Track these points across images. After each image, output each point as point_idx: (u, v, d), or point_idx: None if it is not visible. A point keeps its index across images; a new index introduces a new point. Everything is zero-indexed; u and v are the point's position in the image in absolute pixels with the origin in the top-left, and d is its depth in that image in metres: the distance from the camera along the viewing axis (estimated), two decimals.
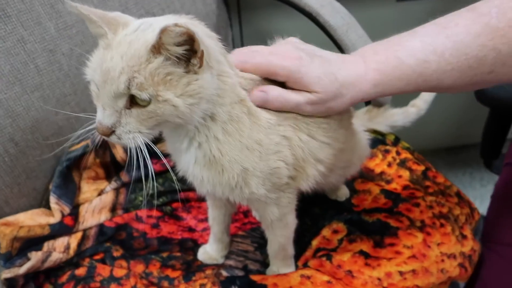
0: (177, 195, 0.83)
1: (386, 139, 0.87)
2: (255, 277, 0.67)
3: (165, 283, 0.69)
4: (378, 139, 0.87)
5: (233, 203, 0.67)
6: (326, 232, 0.73)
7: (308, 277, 0.64)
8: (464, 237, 0.71)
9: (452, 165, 1.63)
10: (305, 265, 0.69)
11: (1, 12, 0.66)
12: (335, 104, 0.55)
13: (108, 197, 0.81)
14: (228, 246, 0.76)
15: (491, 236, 0.76)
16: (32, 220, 0.75)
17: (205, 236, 0.78)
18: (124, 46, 0.46)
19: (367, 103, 0.89)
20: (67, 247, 0.74)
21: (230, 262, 0.74)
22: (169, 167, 0.57)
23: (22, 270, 0.69)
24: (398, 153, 0.84)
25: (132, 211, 0.81)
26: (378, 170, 0.83)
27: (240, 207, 0.80)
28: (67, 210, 0.78)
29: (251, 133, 0.53)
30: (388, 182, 0.81)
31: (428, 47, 0.53)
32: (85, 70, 0.49)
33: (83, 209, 0.79)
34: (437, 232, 0.70)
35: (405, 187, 0.79)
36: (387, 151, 0.85)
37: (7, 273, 0.70)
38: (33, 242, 0.73)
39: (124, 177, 0.83)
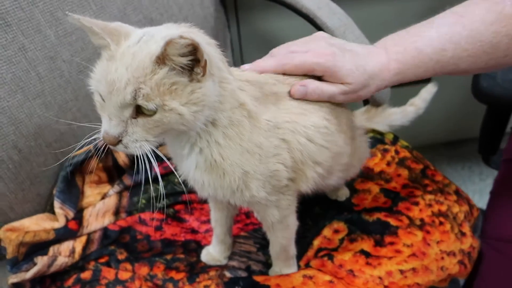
0: (179, 197, 0.84)
1: (385, 138, 0.88)
2: (258, 278, 0.68)
3: (170, 285, 0.70)
4: (377, 139, 0.87)
5: (234, 206, 0.67)
6: (327, 232, 0.74)
7: (310, 277, 0.65)
8: (463, 234, 0.72)
9: (451, 160, 1.64)
10: (307, 265, 0.70)
11: (2, 21, 0.67)
12: (363, 92, 0.61)
13: (111, 201, 0.82)
14: (231, 247, 0.77)
15: (491, 232, 0.77)
16: (37, 225, 0.77)
17: (208, 238, 0.79)
18: (128, 58, 0.47)
19: (366, 102, 0.90)
20: (72, 251, 0.76)
21: (233, 263, 0.75)
22: (173, 169, 0.58)
23: (29, 274, 0.71)
24: (397, 152, 0.85)
25: (135, 214, 0.82)
26: (377, 169, 0.84)
27: (242, 208, 0.81)
28: (71, 214, 0.79)
29: (251, 136, 0.54)
30: (388, 181, 0.82)
31: (445, 36, 0.58)
32: (89, 81, 0.50)
33: (87, 213, 0.80)
34: (436, 230, 0.71)
35: (404, 186, 0.80)
36: (386, 150, 0.86)
37: (14, 278, 0.71)
38: (39, 247, 0.74)
39: (127, 180, 0.84)
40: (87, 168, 0.82)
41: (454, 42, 0.58)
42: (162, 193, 0.58)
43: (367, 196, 0.80)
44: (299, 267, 0.72)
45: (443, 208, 0.75)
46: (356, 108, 0.91)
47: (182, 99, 0.47)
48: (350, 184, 0.82)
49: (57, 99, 0.76)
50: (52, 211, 0.79)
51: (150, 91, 0.46)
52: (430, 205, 0.75)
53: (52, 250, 0.75)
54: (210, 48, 0.51)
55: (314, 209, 0.80)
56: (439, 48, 0.58)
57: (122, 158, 0.84)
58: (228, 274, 0.71)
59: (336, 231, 0.74)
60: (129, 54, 0.47)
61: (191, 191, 0.70)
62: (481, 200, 1.43)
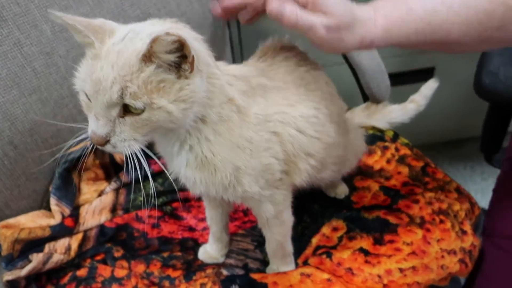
0: (177, 195, 0.83)
1: (385, 135, 0.87)
2: (255, 276, 0.67)
3: (166, 283, 0.69)
4: (377, 136, 0.86)
5: (228, 202, 0.67)
6: (325, 229, 0.73)
7: (308, 275, 0.64)
8: (464, 232, 0.71)
9: (452, 159, 1.63)
10: (305, 263, 0.69)
11: None
12: (347, 36, 0.55)
13: (108, 198, 0.82)
14: (228, 245, 0.76)
15: (493, 230, 0.76)
16: (33, 222, 0.76)
17: (206, 236, 0.79)
18: (113, 56, 0.46)
19: (366, 99, 0.89)
20: (68, 248, 0.75)
21: (231, 261, 0.74)
22: (164, 169, 0.57)
23: (24, 272, 0.70)
24: (397, 149, 0.84)
25: (132, 212, 0.81)
26: (377, 166, 0.83)
27: (240, 206, 0.80)
28: (67, 211, 0.78)
29: (241, 131, 0.53)
30: (388, 178, 0.81)
31: None
32: (74, 81, 0.49)
33: (83, 210, 0.79)
34: (436, 228, 0.70)
35: (404, 184, 0.79)
36: (386, 148, 0.84)
37: (9, 275, 0.70)
38: (34, 244, 0.74)
39: (124, 177, 0.83)
40: (84, 165, 0.82)
41: (446, 5, 0.54)
42: (153, 192, 0.57)
43: (367, 193, 0.79)
44: (297, 264, 0.71)
45: (444, 206, 0.74)
46: (356, 105, 0.90)
47: (171, 97, 0.47)
48: (349, 181, 0.81)
49: (53, 95, 0.75)
50: (48, 208, 0.79)
51: (137, 90, 0.45)
52: (430, 203, 0.74)
53: (47, 247, 0.74)
54: (197, 44, 0.50)
55: (313, 207, 0.79)
56: (431, 8, 0.55)
57: (119, 155, 0.83)
58: (225, 272, 0.70)
59: (335, 229, 0.73)
60: (114, 52, 0.46)
61: (185, 189, 0.70)
62: (483, 200, 1.41)
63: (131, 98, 0.45)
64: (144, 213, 0.81)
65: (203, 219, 0.81)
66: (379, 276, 0.65)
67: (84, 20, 0.48)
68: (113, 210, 0.81)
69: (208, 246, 0.75)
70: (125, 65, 0.45)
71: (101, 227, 0.79)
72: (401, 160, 0.83)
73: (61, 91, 0.76)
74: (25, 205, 0.78)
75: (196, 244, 0.78)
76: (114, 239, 0.78)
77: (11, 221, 0.75)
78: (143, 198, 0.77)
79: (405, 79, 1.22)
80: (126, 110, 0.47)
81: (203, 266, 0.73)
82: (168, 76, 0.46)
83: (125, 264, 0.73)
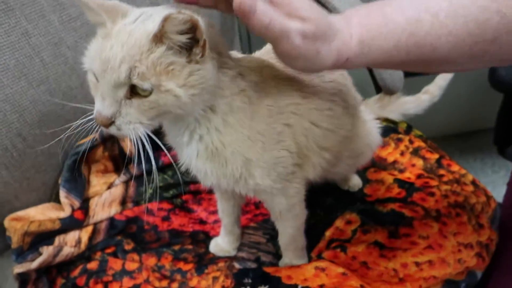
0: (187, 187, 0.83)
1: (398, 127, 0.85)
2: (268, 269, 0.66)
3: (178, 276, 0.69)
4: (390, 128, 0.85)
5: (240, 195, 0.66)
6: (339, 223, 0.72)
7: (323, 269, 0.63)
8: (481, 226, 0.70)
9: (463, 151, 1.61)
10: (319, 257, 0.68)
11: (4, 5, 0.65)
12: (323, 49, 0.46)
13: (117, 190, 0.81)
14: (240, 238, 0.75)
15: (509, 224, 0.74)
16: (43, 214, 0.75)
17: (217, 229, 0.78)
18: (124, 36, 0.44)
19: (379, 91, 0.88)
20: (78, 241, 0.74)
21: (243, 254, 0.73)
22: (172, 160, 0.55)
23: (34, 265, 0.69)
24: (411, 141, 0.82)
25: (142, 204, 0.80)
26: (390, 159, 0.81)
27: (251, 199, 0.79)
28: (77, 204, 0.77)
29: (252, 123, 0.52)
30: (401, 171, 0.79)
31: (420, 5, 0.46)
32: (83, 60, 0.48)
33: (93, 203, 0.79)
34: (453, 222, 0.69)
35: (419, 176, 0.78)
36: (399, 140, 0.83)
37: (20, 268, 0.70)
38: (44, 237, 0.73)
39: (133, 170, 0.82)
40: (93, 157, 0.81)
41: (431, 13, 0.45)
42: (157, 186, 0.55)
43: (380, 186, 0.77)
44: (310, 258, 0.70)
45: (460, 199, 0.73)
46: (369, 96, 0.88)
47: (180, 81, 0.45)
48: (362, 174, 0.80)
49: (62, 86, 0.74)
50: (57, 200, 0.78)
51: (145, 70, 0.44)
52: (446, 196, 0.73)
53: (57, 240, 0.73)
54: (211, 30, 0.49)
55: (326, 200, 0.78)
56: (413, 17, 0.46)
57: (128, 147, 0.82)
58: (237, 266, 0.69)
59: (349, 222, 0.72)
60: (125, 32, 0.45)
61: (196, 181, 0.69)
62: (494, 192, 1.39)
63: (138, 79, 0.44)
64: (154, 205, 0.80)
65: (214, 212, 0.80)
66: (394, 270, 0.64)
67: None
68: (123, 202, 0.80)
69: (219, 239, 0.74)
70: (135, 45, 0.44)
71: (111, 220, 0.78)
72: (415, 152, 0.81)
73: (70, 82, 0.75)
74: (35, 198, 0.77)
75: (207, 237, 0.77)
76: (125, 232, 0.77)
77: (21, 213, 0.74)
78: (157, 189, 0.76)
79: None
80: (133, 91, 0.45)
81: (214, 259, 0.72)
82: (179, 59, 0.45)
83: (136, 257, 0.72)
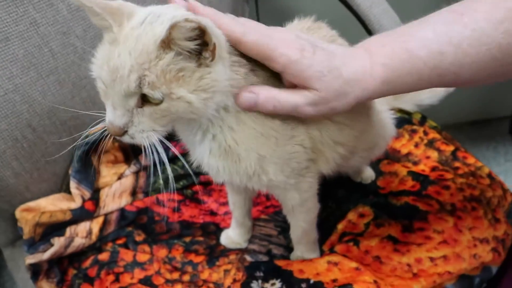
0: (197, 178, 0.82)
1: (413, 118, 0.83)
2: (280, 263, 0.66)
3: (189, 268, 0.68)
4: (404, 119, 0.83)
5: (252, 189, 0.65)
6: (352, 216, 0.71)
7: (336, 264, 0.63)
8: (497, 220, 0.68)
9: (475, 140, 1.58)
10: (331, 250, 0.67)
11: None
12: (339, 104, 0.48)
13: (128, 181, 0.80)
14: (251, 230, 0.74)
15: None
16: (53, 205, 0.75)
17: (227, 220, 0.77)
18: (131, 41, 0.43)
19: None
20: (89, 232, 0.74)
21: (254, 247, 0.73)
22: (179, 155, 0.54)
23: (46, 255, 0.69)
24: (425, 133, 0.81)
25: (152, 195, 0.80)
26: (404, 150, 0.80)
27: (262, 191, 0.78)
28: (87, 194, 0.77)
29: (266, 119, 0.51)
30: (416, 163, 0.78)
31: (443, 37, 0.46)
32: (91, 67, 0.46)
33: (103, 194, 0.78)
34: (468, 216, 0.67)
35: (433, 169, 0.76)
36: (414, 131, 0.81)
37: (31, 259, 0.70)
38: (55, 228, 0.73)
39: (143, 160, 0.82)
40: (103, 147, 0.80)
41: (454, 44, 0.45)
42: (171, 178, 0.54)
43: (394, 179, 0.76)
44: (322, 251, 0.69)
45: (476, 192, 0.71)
46: None
47: (190, 86, 0.44)
48: (375, 166, 0.78)
49: (71, 76, 0.73)
50: (68, 191, 0.78)
51: (155, 79, 0.42)
52: (461, 189, 0.71)
53: (68, 230, 0.73)
54: (219, 31, 0.47)
55: (338, 192, 0.76)
56: (436, 51, 0.46)
57: None
58: (248, 258, 0.69)
59: (362, 215, 0.71)
60: (132, 37, 0.43)
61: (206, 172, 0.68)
62: (506, 181, 1.38)
63: (149, 88, 0.43)
64: (164, 196, 0.80)
65: (224, 203, 0.80)
66: (408, 265, 0.63)
67: (102, 1, 0.45)
68: (133, 193, 0.80)
69: (230, 231, 0.74)
70: (143, 52, 0.42)
71: (122, 211, 0.78)
72: (430, 144, 0.79)
73: (79, 72, 0.74)
74: (45, 188, 0.77)
75: (218, 229, 0.77)
76: (135, 223, 0.77)
77: (31, 204, 0.74)
78: (172, 181, 0.75)
79: None
80: (144, 99, 0.44)
81: (225, 252, 0.71)
82: (188, 64, 0.44)
83: (147, 248, 0.72)
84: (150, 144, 0.46)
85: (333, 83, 0.46)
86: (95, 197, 0.78)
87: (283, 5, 1.19)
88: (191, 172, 0.56)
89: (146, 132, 0.46)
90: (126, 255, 0.71)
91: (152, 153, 0.47)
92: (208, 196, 0.81)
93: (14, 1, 0.64)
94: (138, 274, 0.68)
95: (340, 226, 0.71)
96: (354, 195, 0.75)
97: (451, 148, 0.79)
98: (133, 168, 0.82)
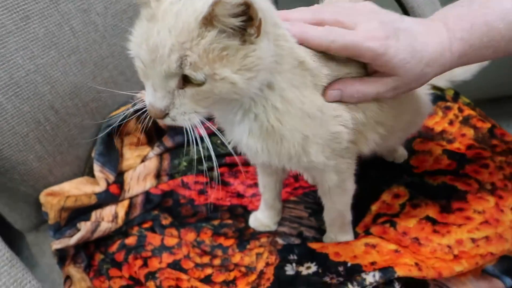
0: (222, 160, 0.80)
1: (446, 94, 0.80)
2: (314, 245, 0.64)
3: (219, 252, 0.67)
4: (437, 95, 0.80)
5: (284, 170, 0.63)
6: (386, 196, 0.69)
7: (373, 246, 0.60)
8: None
9: (496, 117, 1.53)
10: (367, 232, 0.65)
11: None
12: (417, 84, 0.51)
13: (152, 164, 0.78)
14: (281, 212, 0.72)
15: None
16: (78, 189, 0.73)
17: (255, 202, 0.75)
18: (171, 18, 0.40)
19: None
20: (115, 216, 0.72)
21: (284, 229, 0.71)
22: (221, 136, 0.52)
23: (73, 240, 0.68)
24: (460, 109, 0.78)
25: (177, 177, 0.78)
26: (438, 128, 0.77)
27: (291, 171, 0.76)
28: (111, 178, 0.75)
29: (312, 98, 0.48)
30: (450, 141, 0.75)
31: None
32: (129, 45, 0.44)
33: (127, 177, 0.76)
34: (510, 195, 0.65)
35: (469, 147, 0.73)
36: (447, 108, 0.78)
37: (58, 244, 0.68)
38: (81, 212, 0.72)
39: (168, 142, 0.79)
40: (125, 130, 0.78)
41: None
42: (212, 157, 0.51)
43: (428, 157, 0.73)
44: (355, 233, 0.67)
45: None
46: None
47: (234, 66, 0.41)
48: (407, 144, 0.76)
49: (93, 55, 0.70)
50: (91, 174, 0.76)
51: (197, 59, 0.40)
52: (501, 168, 0.68)
53: (94, 215, 0.72)
54: (263, 3, 0.44)
55: (370, 173, 0.74)
56: None
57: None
58: (280, 241, 0.67)
59: (396, 196, 0.68)
60: (171, 14, 0.40)
61: (235, 153, 0.66)
62: None
63: (191, 69, 0.40)
64: (190, 179, 0.78)
65: (251, 185, 0.78)
66: (449, 247, 0.60)
67: None
68: (158, 176, 0.78)
69: (259, 214, 0.72)
70: (184, 30, 0.40)
71: (147, 194, 0.76)
72: (465, 121, 0.76)
73: (101, 51, 0.71)
74: (68, 172, 0.75)
75: (246, 211, 0.75)
76: (161, 206, 0.75)
77: (55, 188, 0.73)
78: (195, 160, 0.74)
79: None
80: (186, 80, 0.42)
81: (255, 235, 0.69)
82: (232, 42, 0.41)
83: (174, 232, 0.70)
84: (192, 127, 0.44)
85: (415, 68, 0.48)
86: (119, 180, 0.76)
87: None
88: (231, 150, 0.53)
89: (188, 114, 0.44)
90: (154, 239, 0.69)
91: (193, 134, 0.45)
92: (234, 178, 0.79)
93: None
94: (167, 258, 0.66)
95: (374, 207, 0.68)
96: (387, 175, 0.73)
97: (487, 125, 0.76)
98: (156, 150, 0.79)
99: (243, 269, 0.63)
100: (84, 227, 0.69)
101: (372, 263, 0.58)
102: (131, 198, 0.75)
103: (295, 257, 0.63)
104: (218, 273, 0.64)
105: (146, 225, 0.72)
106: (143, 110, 0.77)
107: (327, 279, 0.59)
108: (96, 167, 0.74)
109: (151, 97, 0.43)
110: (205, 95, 0.42)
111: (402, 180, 0.70)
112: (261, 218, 0.71)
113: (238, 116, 0.49)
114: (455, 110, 0.78)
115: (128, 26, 0.43)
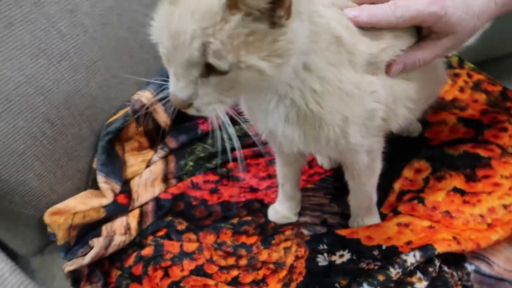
0: (229, 155, 0.76)
1: (451, 62, 0.78)
2: (343, 232, 0.61)
3: (243, 251, 0.63)
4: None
5: (304, 156, 0.60)
6: (407, 172, 0.67)
7: (406, 225, 0.58)
8: None
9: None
10: (395, 212, 0.63)
11: None
12: (469, 40, 0.54)
13: (157, 168, 0.74)
14: (300, 202, 0.69)
15: None
16: (84, 204, 0.69)
17: (271, 195, 0.72)
18: (193, 0, 0.36)
19: None
20: (128, 228, 0.68)
21: (306, 219, 0.68)
22: (241, 121, 0.48)
23: (87, 259, 0.64)
24: (469, 75, 0.76)
25: (186, 179, 0.74)
26: (449, 97, 0.75)
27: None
28: (117, 188, 0.71)
29: (350, 75, 0.45)
30: (463, 109, 0.73)
31: None
32: (150, 31, 0.40)
33: (134, 184, 0.72)
34: None
35: (483, 112, 0.72)
36: (456, 75, 0.77)
37: (71, 265, 0.64)
38: (89, 228, 0.67)
39: (171, 143, 0.75)
40: (125, 135, 0.74)
41: None
42: (236, 147, 0.47)
43: (443, 128, 0.72)
44: (380, 214, 0.65)
45: None
46: None
47: (262, 52, 0.37)
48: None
49: (84, 59, 0.65)
50: (95, 186, 0.71)
51: (221, 46, 0.36)
52: None
53: (105, 229, 0.67)
54: None
55: (387, 149, 0.72)
56: None
57: (163, 119, 0.74)
58: (306, 232, 0.64)
59: (418, 171, 0.66)
60: None
61: (242, 146, 0.63)
62: None
63: (214, 57, 0.37)
64: (199, 178, 0.74)
65: (264, 178, 0.74)
66: (481, 216, 0.59)
67: None
68: (165, 179, 0.74)
69: (278, 206, 0.69)
70: (206, 13, 0.36)
71: (157, 200, 0.72)
72: (476, 86, 0.75)
73: (91, 54, 0.66)
74: (70, 187, 0.70)
75: (263, 205, 0.71)
76: (172, 211, 0.71)
77: (60, 206, 0.68)
78: (208, 157, 0.69)
79: None
80: (209, 68, 0.38)
81: (278, 228, 0.66)
82: (259, 26, 0.37)
83: (192, 236, 0.67)
84: (216, 117, 0.41)
85: (470, 23, 0.50)
86: (126, 189, 0.71)
87: None
88: (254, 139, 0.50)
89: (212, 105, 0.40)
90: (172, 247, 0.65)
91: (218, 124, 0.42)
92: (245, 172, 0.75)
93: None
94: (188, 265, 0.63)
95: (397, 185, 0.66)
96: (404, 150, 0.70)
97: (498, 88, 0.74)
98: (160, 153, 0.75)
99: (271, 266, 0.60)
100: (97, 244, 0.64)
101: (408, 243, 0.56)
102: (141, 207, 0.71)
103: (325, 247, 0.60)
104: (245, 273, 0.61)
105: (161, 233, 0.68)
106: (144, 112, 0.73)
107: (363, 265, 0.57)
108: (100, 178, 0.70)
109: (173, 87, 0.40)
110: (230, 84, 0.39)
111: (421, 153, 0.68)
112: (281, 211, 0.68)
113: (272, 103, 0.46)
114: (464, 76, 0.76)
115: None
